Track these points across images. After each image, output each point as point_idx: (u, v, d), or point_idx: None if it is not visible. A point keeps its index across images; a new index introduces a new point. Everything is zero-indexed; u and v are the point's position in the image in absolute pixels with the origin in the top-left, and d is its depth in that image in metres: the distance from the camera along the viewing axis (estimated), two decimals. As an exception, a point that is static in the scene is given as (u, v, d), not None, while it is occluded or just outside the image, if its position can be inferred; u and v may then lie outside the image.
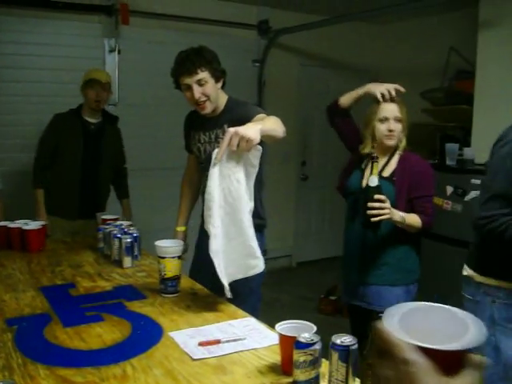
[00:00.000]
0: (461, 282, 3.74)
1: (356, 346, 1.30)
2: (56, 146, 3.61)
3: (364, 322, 2.76)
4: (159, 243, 2.11)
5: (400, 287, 2.62)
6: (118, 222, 2.84)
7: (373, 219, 2.34)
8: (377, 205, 2.33)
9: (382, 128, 2.59)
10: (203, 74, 2.46)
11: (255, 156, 1.94)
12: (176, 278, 2.11)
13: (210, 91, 2.50)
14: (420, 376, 0.62)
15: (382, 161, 2.65)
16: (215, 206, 1.87)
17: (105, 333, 1.75)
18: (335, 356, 1.30)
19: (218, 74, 2.54)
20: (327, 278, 5.69)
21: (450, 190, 3.77)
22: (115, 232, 2.63)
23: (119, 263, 2.56)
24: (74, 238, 3.26)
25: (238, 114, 2.46)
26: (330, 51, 6.36)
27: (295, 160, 6.44)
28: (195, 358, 1.56)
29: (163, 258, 2.08)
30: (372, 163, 2.40)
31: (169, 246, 2.09)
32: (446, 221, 3.81)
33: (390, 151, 2.65)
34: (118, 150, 3.89)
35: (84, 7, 4.77)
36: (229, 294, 1.91)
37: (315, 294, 5.24)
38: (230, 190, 1.87)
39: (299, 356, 1.33)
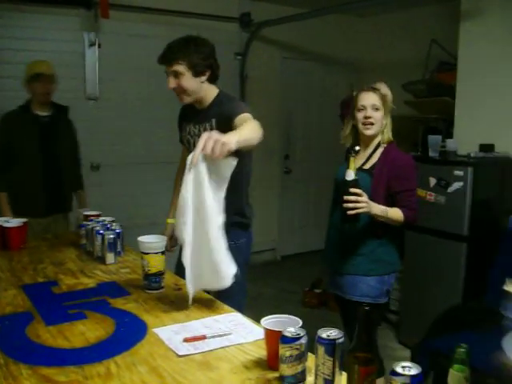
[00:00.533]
0: (444, 273, 3.77)
1: (342, 340, 1.29)
2: (11, 147, 3.51)
3: (346, 310, 2.80)
4: (142, 239, 2.09)
5: (374, 277, 2.65)
6: (101, 218, 2.80)
7: (349, 212, 2.36)
8: (352, 198, 2.34)
9: (359, 116, 2.62)
10: (179, 67, 2.45)
11: (228, 167, 1.84)
12: (160, 274, 2.09)
13: (186, 84, 2.48)
14: None
15: (365, 153, 2.68)
16: (190, 213, 1.81)
17: (88, 331, 1.72)
18: (321, 350, 1.29)
19: (199, 69, 2.48)
20: (311, 271, 5.69)
21: (433, 181, 3.79)
22: (98, 228, 2.59)
23: (102, 260, 2.53)
24: (47, 235, 3.23)
25: (225, 110, 2.44)
26: (312, 44, 6.35)
27: (278, 154, 6.44)
28: (180, 354, 1.54)
29: (146, 253, 2.05)
30: (348, 157, 2.40)
31: (152, 242, 2.07)
32: (429, 212, 3.82)
33: (374, 143, 2.67)
34: (73, 141, 3.81)
35: (62, 0, 4.70)
36: (190, 302, 1.91)
37: (300, 287, 5.25)
38: (202, 199, 1.79)
39: (285, 351, 1.32)
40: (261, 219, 6.27)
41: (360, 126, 2.63)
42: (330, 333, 1.30)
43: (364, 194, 2.37)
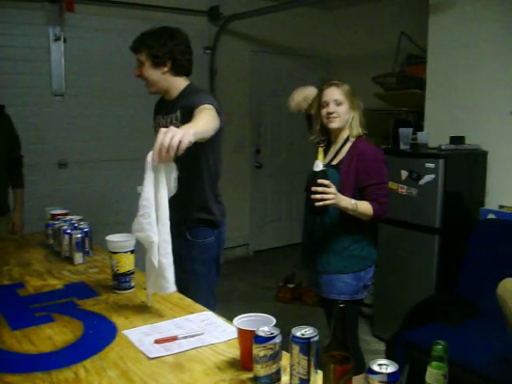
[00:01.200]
0: (417, 265, 3.78)
1: (317, 338, 1.26)
2: None
3: (327, 309, 2.79)
4: (110, 238, 2.03)
5: (349, 275, 2.64)
6: (68, 217, 2.73)
7: (316, 204, 2.32)
8: (320, 189, 2.30)
9: (323, 112, 2.63)
10: (141, 56, 2.53)
11: (169, 171, 1.79)
12: (129, 274, 2.03)
13: (145, 73, 2.55)
14: None
15: (334, 149, 2.69)
16: (153, 212, 1.74)
17: (55, 334, 1.67)
18: (296, 349, 1.26)
19: (159, 60, 2.50)
20: (285, 266, 5.69)
21: (404, 174, 3.78)
22: (65, 227, 2.53)
23: (70, 260, 2.46)
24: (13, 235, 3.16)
25: (189, 102, 2.44)
26: (281, 37, 6.32)
27: (249, 148, 6.40)
28: (151, 356, 1.50)
29: (115, 253, 2.00)
30: (317, 148, 2.38)
31: (120, 241, 2.01)
32: (401, 205, 3.83)
33: (342, 138, 2.67)
34: (11, 139, 3.62)
35: (25, -6, 4.57)
36: (148, 304, 1.88)
37: (273, 283, 5.23)
38: (159, 199, 1.75)
39: (259, 350, 1.29)
40: (233, 214, 6.25)
41: (325, 120, 2.65)
42: (304, 331, 1.27)
43: (332, 185, 2.35)
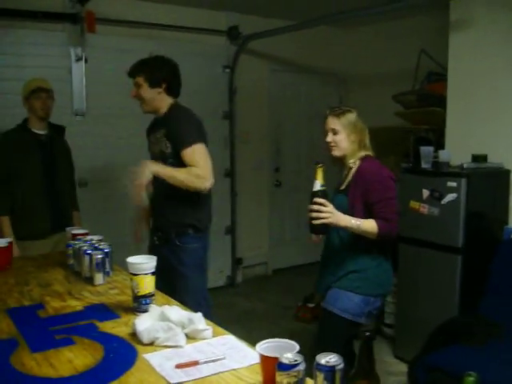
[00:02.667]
0: (439, 285, 3.73)
1: (342, 366, 1.23)
2: (11, 167, 3.46)
3: (324, 321, 2.78)
4: (131, 260, 2.01)
5: (359, 295, 2.65)
6: (88, 237, 2.73)
7: (314, 222, 2.42)
8: (315, 207, 2.40)
9: (325, 140, 2.75)
10: (139, 78, 2.95)
11: None
12: (150, 296, 2.02)
13: (143, 94, 2.96)
14: None
15: (342, 174, 2.79)
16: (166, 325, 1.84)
17: (76, 358, 1.65)
18: (320, 377, 1.23)
19: (155, 82, 2.93)
20: (304, 285, 5.63)
21: (426, 193, 3.74)
22: (85, 248, 2.52)
23: (90, 280, 2.46)
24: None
25: (173, 128, 2.90)
26: (300, 56, 6.34)
27: (268, 166, 6.39)
28: (172, 382, 1.47)
29: (135, 274, 1.98)
30: (315, 169, 2.44)
31: (141, 263, 1.99)
32: (423, 224, 3.79)
33: (348, 163, 2.72)
34: (69, 161, 3.79)
35: (47, 15, 4.64)
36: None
37: (292, 302, 5.18)
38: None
39: (282, 378, 1.26)
40: (252, 233, 6.29)
41: (325, 148, 2.76)
42: (329, 358, 1.25)
43: (329, 204, 2.43)
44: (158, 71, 2.96)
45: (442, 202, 3.65)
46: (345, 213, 2.52)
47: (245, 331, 4.27)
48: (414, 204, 3.78)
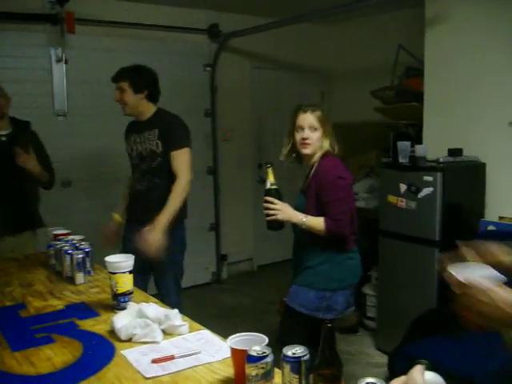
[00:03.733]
0: (418, 278, 3.79)
1: (308, 357, 1.28)
2: None
3: (286, 316, 2.83)
4: (109, 258, 2.06)
5: (313, 291, 2.73)
6: (70, 237, 2.77)
7: (266, 218, 2.65)
8: (265, 205, 2.63)
9: (297, 137, 2.76)
10: (123, 84, 3.24)
11: None
12: (128, 293, 2.06)
13: (126, 98, 3.26)
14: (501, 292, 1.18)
15: (304, 173, 2.87)
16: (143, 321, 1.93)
17: (55, 355, 1.70)
18: (287, 368, 1.29)
19: (139, 87, 3.24)
20: (289, 280, 5.67)
21: (403, 187, 3.81)
22: (66, 248, 2.56)
23: (72, 280, 2.50)
24: (14, 254, 3.20)
25: (167, 129, 3.25)
26: (281, 53, 6.38)
27: (251, 163, 6.43)
28: (148, 376, 1.52)
29: (114, 273, 2.03)
30: (266, 169, 2.62)
31: (119, 262, 2.04)
32: (401, 218, 3.85)
33: (312, 162, 2.79)
34: (39, 155, 3.60)
35: (26, 16, 4.64)
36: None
37: (277, 297, 5.22)
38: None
39: (251, 370, 1.31)
40: (236, 229, 6.34)
41: (298, 145, 2.77)
42: (295, 350, 1.30)
43: (277, 201, 2.61)
44: (142, 78, 3.27)
45: (419, 196, 3.71)
46: (303, 212, 2.66)
47: (230, 327, 4.32)
48: (391, 198, 3.84)
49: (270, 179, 2.63)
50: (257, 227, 6.56)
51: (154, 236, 3.04)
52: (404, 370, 2.85)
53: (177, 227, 3.30)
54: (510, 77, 3.80)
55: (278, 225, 2.67)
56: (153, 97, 3.34)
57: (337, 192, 2.66)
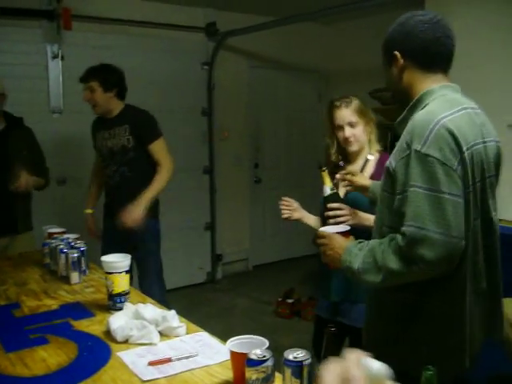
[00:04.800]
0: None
1: (309, 361, 1.26)
2: None
3: (355, 339, 2.31)
4: (105, 258, 2.03)
5: None
6: (65, 236, 2.74)
7: (332, 222, 2.21)
8: (331, 213, 2.22)
9: (339, 136, 2.48)
10: (93, 83, 3.33)
11: None
12: (124, 294, 2.03)
13: (96, 98, 3.36)
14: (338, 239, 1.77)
15: (355, 168, 2.49)
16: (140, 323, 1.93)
17: (49, 356, 1.67)
18: (288, 372, 1.26)
19: (108, 87, 3.34)
20: (284, 281, 5.68)
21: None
22: (61, 247, 2.53)
23: (66, 279, 2.46)
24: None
25: (139, 124, 3.39)
26: (279, 52, 6.34)
27: (247, 163, 6.40)
28: (144, 379, 1.49)
29: (110, 273, 2.00)
30: (321, 173, 2.30)
31: (115, 262, 2.01)
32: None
33: (363, 156, 2.52)
34: (32, 151, 3.56)
35: (23, 12, 4.59)
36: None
37: (273, 297, 5.21)
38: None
39: (251, 374, 1.29)
40: (232, 229, 6.31)
41: (342, 144, 2.50)
42: (296, 354, 1.27)
43: (344, 206, 2.25)
44: (111, 77, 3.39)
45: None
46: (365, 210, 2.29)
47: (225, 327, 4.30)
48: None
49: (328, 184, 2.29)
50: (252, 227, 6.55)
51: (136, 208, 3.25)
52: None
53: (150, 220, 3.43)
54: (510, 80, 3.78)
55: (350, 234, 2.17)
56: (121, 94, 3.46)
57: None
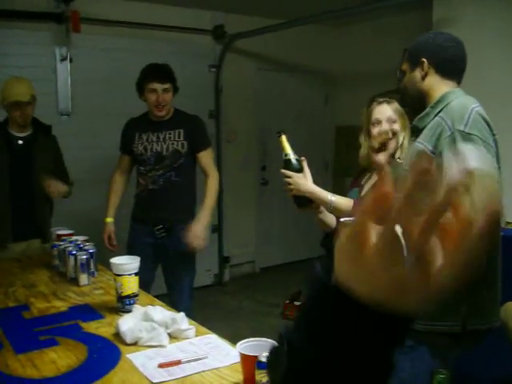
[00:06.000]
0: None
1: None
2: None
3: None
4: (115, 260, 2.04)
5: None
6: (74, 238, 2.74)
7: (288, 194, 2.32)
8: (284, 181, 2.29)
9: (374, 132, 2.35)
10: (168, 85, 3.25)
11: None
12: (134, 296, 2.04)
13: (169, 99, 3.28)
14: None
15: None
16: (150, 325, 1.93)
17: (59, 358, 1.67)
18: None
19: (176, 89, 3.32)
20: (291, 283, 5.66)
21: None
22: (70, 248, 2.54)
23: (75, 281, 2.47)
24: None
25: (193, 129, 3.34)
26: (286, 55, 6.35)
27: (255, 165, 6.40)
28: (155, 381, 1.50)
29: (119, 275, 2.00)
30: (278, 139, 2.38)
31: (125, 264, 2.01)
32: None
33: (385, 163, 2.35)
34: (56, 161, 3.57)
35: (31, 15, 4.62)
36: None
37: (280, 300, 5.20)
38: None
39: (262, 376, 1.29)
40: (239, 231, 6.30)
41: (374, 142, 2.35)
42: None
43: (292, 174, 2.27)
44: (176, 79, 3.36)
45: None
46: None
47: (232, 329, 4.29)
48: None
49: (285, 150, 2.31)
50: (259, 229, 6.55)
51: (200, 228, 3.24)
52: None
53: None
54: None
55: (304, 201, 2.30)
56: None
57: None
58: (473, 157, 0.46)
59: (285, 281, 6.02)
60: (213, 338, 1.79)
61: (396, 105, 2.39)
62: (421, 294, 0.45)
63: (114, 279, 2.04)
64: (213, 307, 5.27)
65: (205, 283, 5.93)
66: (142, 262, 2.08)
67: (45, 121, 3.96)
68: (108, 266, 2.44)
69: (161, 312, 1.87)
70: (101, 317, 2.04)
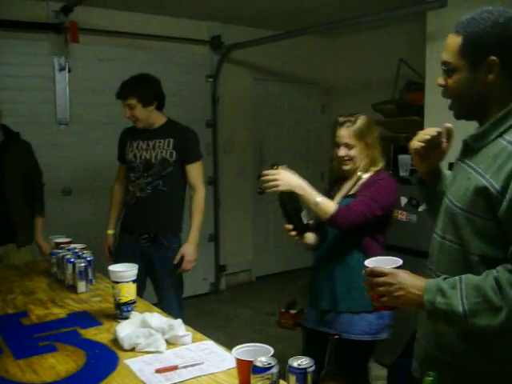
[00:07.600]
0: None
1: (313, 368, 1.29)
2: None
3: (341, 350, 2.47)
4: (113, 268, 2.07)
5: (373, 313, 2.37)
6: (72, 246, 2.77)
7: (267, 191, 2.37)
8: (263, 179, 2.35)
9: (336, 152, 2.49)
10: (131, 101, 3.19)
11: None
12: (132, 303, 2.07)
13: (137, 114, 3.24)
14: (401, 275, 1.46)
15: (351, 181, 2.51)
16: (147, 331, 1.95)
17: (58, 364, 1.70)
18: (292, 379, 1.29)
19: (148, 100, 3.22)
20: (287, 292, 5.70)
21: (404, 200, 3.82)
22: (68, 256, 2.57)
23: (73, 288, 2.50)
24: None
25: (184, 140, 3.29)
26: (283, 65, 6.40)
27: (251, 174, 6.43)
28: (152, 386, 1.53)
29: (117, 282, 2.04)
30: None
31: (122, 271, 2.05)
32: (401, 231, 3.85)
33: (357, 177, 2.49)
34: (28, 167, 3.60)
35: (30, 25, 4.65)
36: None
37: (276, 308, 5.23)
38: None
39: (256, 381, 1.32)
40: (235, 240, 6.33)
41: (336, 160, 2.52)
42: (301, 361, 1.31)
43: (273, 171, 2.34)
44: (149, 91, 3.26)
45: (420, 209, 3.73)
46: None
47: (228, 338, 4.32)
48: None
49: None
50: (256, 238, 6.57)
51: (191, 251, 3.30)
52: (403, 380, 2.77)
53: (173, 238, 3.39)
54: None
55: (302, 226, 2.46)
56: (161, 105, 3.35)
57: (374, 195, 2.34)
58: None
59: (281, 290, 6.05)
60: (209, 344, 1.83)
61: (358, 125, 2.43)
62: None
63: (112, 286, 2.07)
64: (209, 315, 5.30)
65: (201, 291, 5.95)
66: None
67: (43, 130, 4.01)
68: (106, 273, 2.47)
69: (158, 318, 1.90)
70: (99, 323, 2.07)
